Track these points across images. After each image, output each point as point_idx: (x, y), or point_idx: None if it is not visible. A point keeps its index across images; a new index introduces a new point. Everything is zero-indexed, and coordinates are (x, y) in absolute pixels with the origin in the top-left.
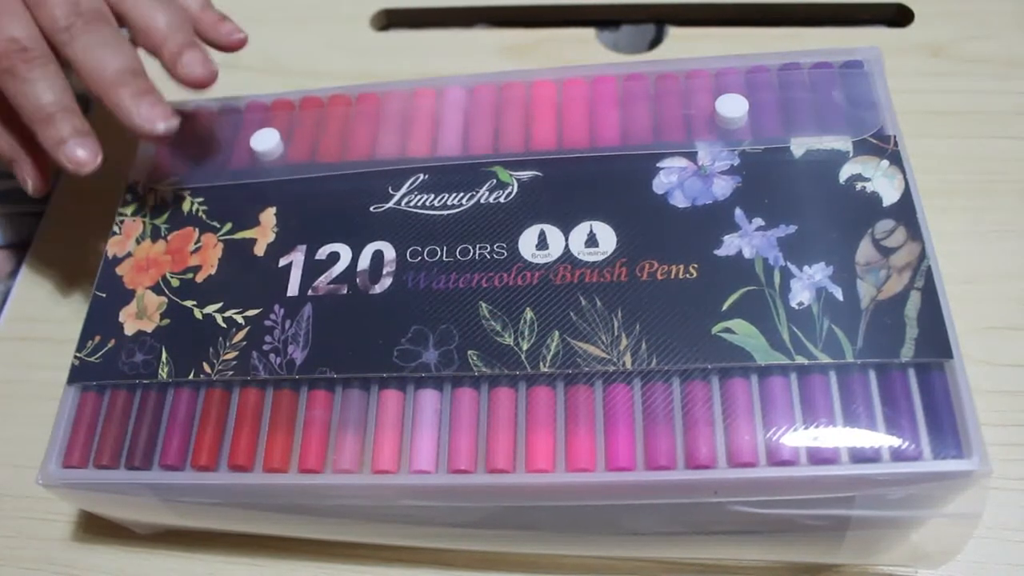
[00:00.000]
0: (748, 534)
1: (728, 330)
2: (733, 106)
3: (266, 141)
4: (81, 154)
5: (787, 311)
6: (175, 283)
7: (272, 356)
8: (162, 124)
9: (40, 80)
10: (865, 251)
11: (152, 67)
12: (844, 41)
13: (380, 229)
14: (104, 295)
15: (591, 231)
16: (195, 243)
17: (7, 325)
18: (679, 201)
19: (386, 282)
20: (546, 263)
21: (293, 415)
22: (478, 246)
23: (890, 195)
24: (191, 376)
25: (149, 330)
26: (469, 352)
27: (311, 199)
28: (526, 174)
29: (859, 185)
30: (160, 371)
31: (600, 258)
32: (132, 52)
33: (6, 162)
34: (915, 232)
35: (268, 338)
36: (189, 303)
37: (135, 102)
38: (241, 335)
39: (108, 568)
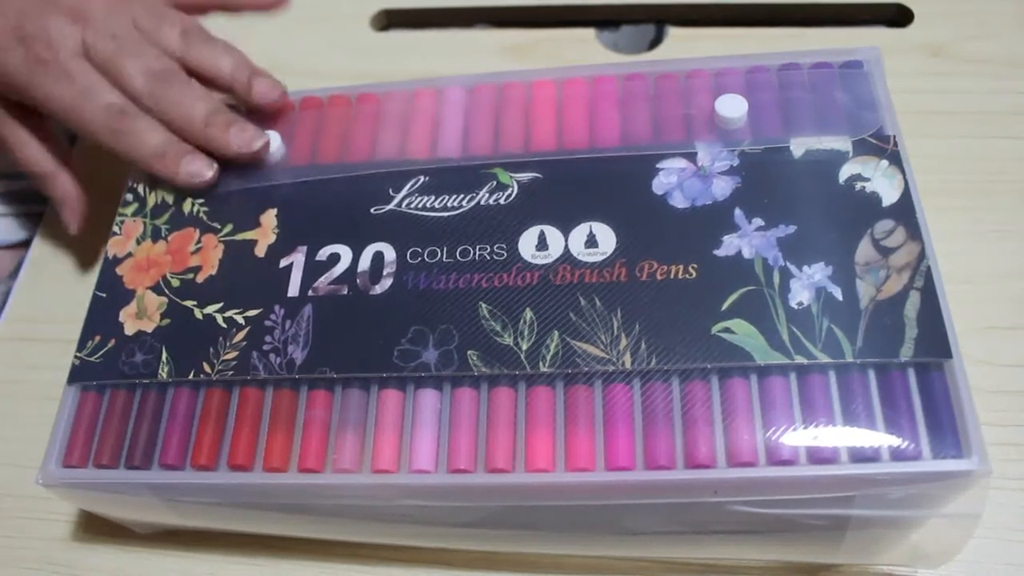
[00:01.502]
0: (748, 534)
1: (728, 330)
2: (733, 106)
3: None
4: (198, 167)
5: (787, 311)
6: (175, 283)
7: (272, 356)
8: (257, 143)
9: (146, 130)
10: (864, 251)
11: None
12: (844, 41)
13: (380, 230)
14: (104, 295)
15: (591, 231)
16: (196, 243)
17: (7, 325)
18: (679, 201)
19: (386, 283)
20: (546, 263)
21: (293, 415)
22: (478, 247)
23: (890, 195)
24: (191, 376)
25: (149, 330)
26: (469, 352)
27: (312, 201)
28: (526, 175)
29: (859, 185)
30: (160, 371)
31: (600, 258)
32: (209, 95)
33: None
34: (914, 232)
35: (268, 338)
36: (189, 303)
37: (225, 135)
38: (241, 335)
39: (108, 568)
